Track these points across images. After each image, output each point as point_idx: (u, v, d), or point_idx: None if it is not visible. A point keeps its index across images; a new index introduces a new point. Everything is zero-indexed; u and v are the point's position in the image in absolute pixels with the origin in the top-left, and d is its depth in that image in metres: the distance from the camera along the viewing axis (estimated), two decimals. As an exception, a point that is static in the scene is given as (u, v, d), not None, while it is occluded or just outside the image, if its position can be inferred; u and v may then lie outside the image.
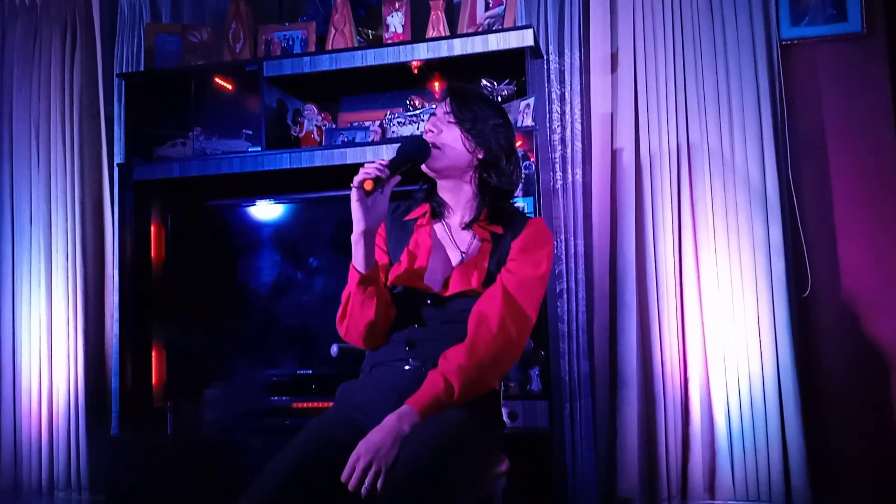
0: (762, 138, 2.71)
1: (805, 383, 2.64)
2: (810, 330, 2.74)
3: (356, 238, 1.54)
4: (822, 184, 2.78)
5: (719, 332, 2.71)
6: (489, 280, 1.57)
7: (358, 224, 1.52)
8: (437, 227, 1.68)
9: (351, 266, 1.57)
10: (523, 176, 2.23)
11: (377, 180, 1.49)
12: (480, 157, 1.64)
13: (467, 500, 1.41)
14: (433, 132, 1.63)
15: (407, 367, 1.54)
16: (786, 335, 2.63)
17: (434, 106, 2.82)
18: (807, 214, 2.77)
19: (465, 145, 1.62)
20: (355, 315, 1.58)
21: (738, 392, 2.67)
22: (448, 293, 1.58)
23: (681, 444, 2.73)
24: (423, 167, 1.64)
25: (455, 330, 1.53)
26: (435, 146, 1.61)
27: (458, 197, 1.67)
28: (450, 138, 1.62)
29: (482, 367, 1.47)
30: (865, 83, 2.76)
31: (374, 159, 2.61)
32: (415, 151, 1.60)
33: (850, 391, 2.70)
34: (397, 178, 1.55)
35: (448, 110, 1.64)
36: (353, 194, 1.50)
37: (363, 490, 1.32)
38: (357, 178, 1.50)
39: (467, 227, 1.64)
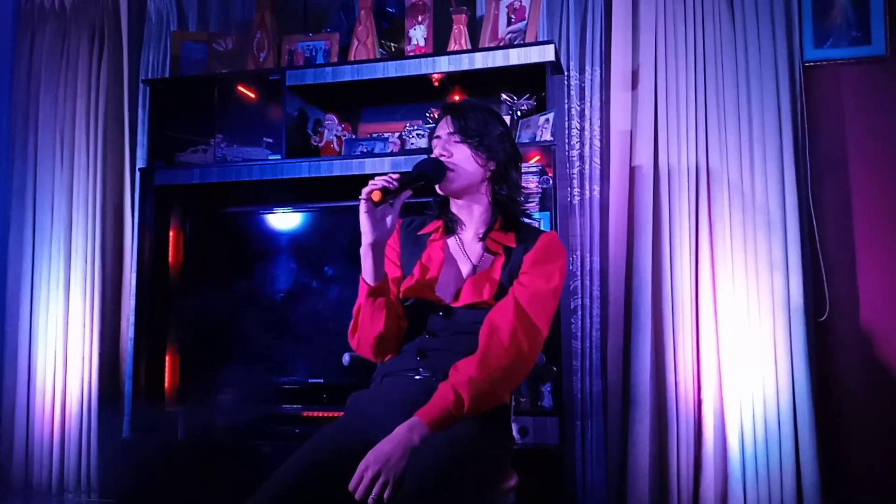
0: (783, 159, 2.69)
1: (820, 408, 2.60)
2: (827, 354, 2.70)
3: (364, 250, 1.55)
4: (842, 206, 2.75)
5: (734, 353, 2.68)
6: (501, 293, 1.57)
7: (366, 236, 1.53)
8: (450, 241, 1.70)
9: (360, 278, 1.58)
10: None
11: (385, 191, 1.50)
12: (492, 169, 1.66)
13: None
14: (444, 156, 1.63)
15: (417, 377, 1.55)
16: (802, 359, 2.59)
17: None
18: (826, 237, 2.74)
19: (476, 162, 1.64)
20: (366, 327, 1.59)
21: (753, 415, 2.63)
22: (459, 304, 1.59)
23: (693, 466, 2.69)
24: (439, 190, 1.66)
25: (466, 341, 1.53)
26: (449, 168, 1.62)
27: (472, 212, 1.69)
28: (461, 158, 1.63)
29: (493, 381, 1.46)
30: (889, 106, 2.74)
31: (393, 171, 2.65)
32: (430, 171, 1.61)
33: (867, 418, 2.66)
34: (408, 193, 1.56)
35: (452, 130, 1.65)
36: (362, 206, 1.51)
37: (370, 500, 1.31)
38: (365, 190, 1.51)
39: (482, 239, 1.66)
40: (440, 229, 1.71)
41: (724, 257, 2.73)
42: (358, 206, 1.53)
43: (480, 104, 1.72)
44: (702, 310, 2.73)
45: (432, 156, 1.65)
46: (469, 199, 1.67)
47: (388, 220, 1.55)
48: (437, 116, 1.74)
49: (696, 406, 2.70)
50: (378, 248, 1.55)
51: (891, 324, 2.68)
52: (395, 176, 1.53)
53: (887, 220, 2.71)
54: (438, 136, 1.67)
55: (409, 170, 1.61)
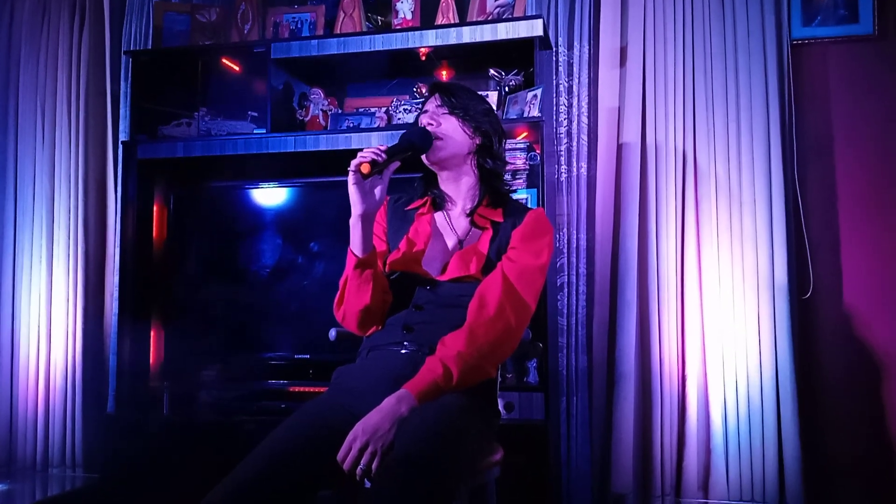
0: (769, 137, 2.70)
1: (803, 385, 2.63)
2: (810, 332, 2.73)
3: (353, 221, 1.55)
4: (828, 185, 2.77)
5: (719, 330, 2.70)
6: (488, 267, 1.58)
7: (355, 207, 1.54)
8: (438, 216, 1.71)
9: (348, 250, 1.59)
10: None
11: (374, 164, 1.51)
12: (478, 142, 1.68)
13: (461, 485, 1.41)
14: (433, 125, 1.66)
15: (404, 351, 1.55)
16: (785, 337, 2.62)
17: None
18: (811, 216, 2.76)
19: (464, 132, 1.66)
20: (351, 299, 1.59)
21: (736, 391, 2.66)
22: (446, 278, 1.59)
23: (676, 441, 2.72)
24: (426, 160, 1.67)
25: (453, 314, 1.54)
26: (437, 137, 1.64)
27: (459, 187, 1.70)
28: (450, 128, 1.66)
29: (481, 354, 1.47)
30: (875, 85, 2.75)
31: (380, 143, 2.62)
32: (417, 140, 1.62)
33: (848, 395, 2.69)
34: (396, 164, 1.57)
35: (440, 103, 1.69)
36: (350, 177, 1.52)
37: (358, 471, 1.31)
38: (354, 162, 1.52)
39: (470, 214, 1.67)
40: (428, 204, 1.73)
41: (709, 235, 2.74)
42: (345, 181, 1.54)
43: (467, 87, 1.77)
44: (687, 287, 2.75)
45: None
46: (456, 172, 1.69)
47: (378, 191, 1.56)
48: (426, 94, 1.78)
49: (680, 382, 2.73)
50: (367, 220, 1.56)
51: (873, 302, 2.71)
52: (383, 147, 1.54)
53: (872, 199, 2.73)
54: (426, 111, 1.70)
55: (396, 141, 1.61)
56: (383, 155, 1.52)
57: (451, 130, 1.66)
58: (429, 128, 1.65)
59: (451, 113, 1.67)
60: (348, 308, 1.60)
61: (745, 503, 2.63)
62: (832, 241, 2.75)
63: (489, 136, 1.69)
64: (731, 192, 2.73)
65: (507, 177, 2.56)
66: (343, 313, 1.63)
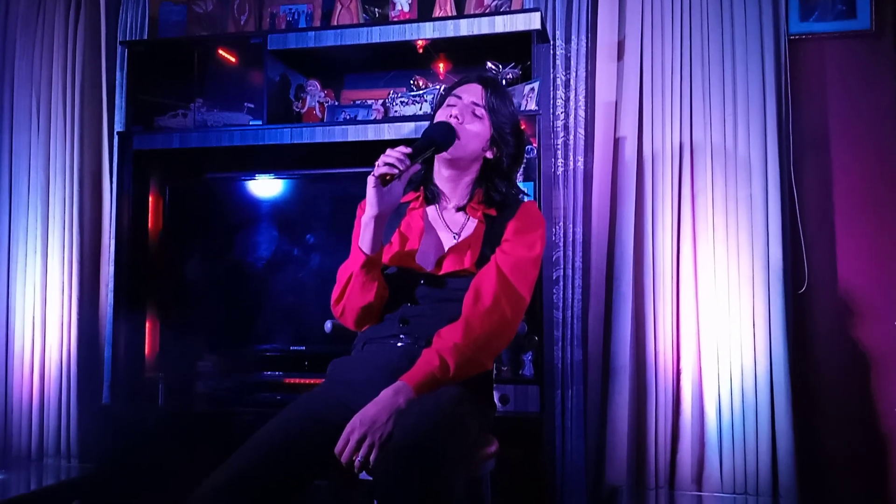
0: (766, 132, 2.70)
1: (797, 379, 2.64)
2: (805, 326, 2.74)
3: (366, 220, 1.52)
4: (824, 180, 2.77)
5: (714, 324, 2.70)
6: (482, 261, 1.58)
7: (371, 208, 1.51)
8: (430, 210, 1.70)
9: (356, 247, 1.56)
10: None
11: (397, 170, 1.47)
12: (489, 156, 1.65)
13: (457, 476, 1.41)
14: (457, 120, 1.61)
15: (399, 344, 1.55)
16: (780, 331, 2.63)
17: (438, 86, 2.82)
18: (807, 211, 2.77)
19: (483, 142, 1.64)
20: (354, 296, 1.58)
21: (730, 385, 2.67)
22: (440, 273, 1.59)
23: (670, 434, 2.73)
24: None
25: (449, 308, 1.54)
26: (457, 136, 1.60)
27: (457, 186, 1.68)
28: (473, 132, 1.62)
29: (477, 346, 1.47)
30: (872, 81, 2.75)
31: (376, 138, 2.60)
32: (440, 139, 1.57)
33: (842, 389, 2.70)
34: (417, 166, 1.53)
35: (482, 103, 1.64)
36: (370, 181, 1.48)
37: (356, 462, 1.31)
38: (378, 171, 1.47)
39: (462, 209, 1.66)
40: (420, 198, 1.71)
41: (705, 229, 2.74)
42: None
43: (508, 91, 1.71)
44: (682, 281, 2.75)
45: (442, 119, 1.62)
46: (459, 173, 1.66)
47: (395, 191, 1.53)
48: (462, 79, 1.71)
49: (674, 376, 2.73)
50: (381, 220, 1.53)
51: (868, 297, 2.72)
52: (406, 150, 1.48)
53: (868, 194, 2.74)
54: (459, 97, 1.65)
55: (418, 141, 1.55)
56: (406, 161, 1.47)
57: (473, 134, 1.62)
58: (453, 121, 1.61)
59: (484, 117, 1.63)
60: (349, 304, 1.59)
61: (739, 496, 2.64)
62: (828, 235, 2.76)
63: (504, 157, 1.66)
64: (727, 187, 2.73)
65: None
66: (342, 308, 1.62)
